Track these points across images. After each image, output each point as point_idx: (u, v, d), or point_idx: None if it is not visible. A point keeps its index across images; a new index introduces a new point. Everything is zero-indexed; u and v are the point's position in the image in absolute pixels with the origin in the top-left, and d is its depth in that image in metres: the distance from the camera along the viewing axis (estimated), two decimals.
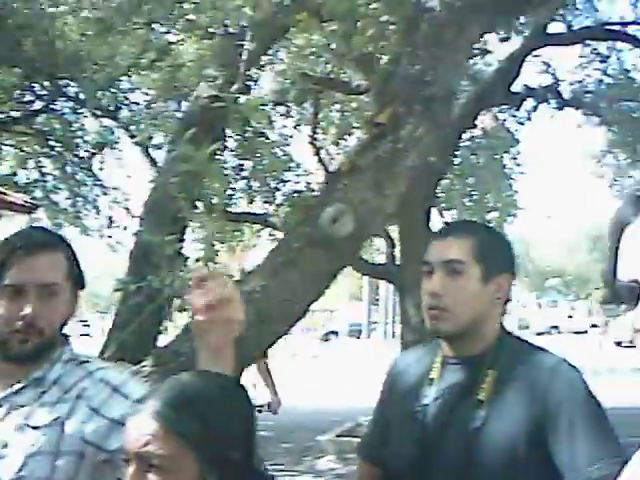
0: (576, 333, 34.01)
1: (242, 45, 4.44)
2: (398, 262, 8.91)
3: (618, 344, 25.25)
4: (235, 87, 4.35)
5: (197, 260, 3.70)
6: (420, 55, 2.92)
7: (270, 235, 10.42)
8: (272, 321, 2.97)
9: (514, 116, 11.99)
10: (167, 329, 5.16)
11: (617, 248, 0.88)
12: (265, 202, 10.19)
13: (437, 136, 3.05)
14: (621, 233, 0.87)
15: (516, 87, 10.27)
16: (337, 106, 10.45)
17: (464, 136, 10.41)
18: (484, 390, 1.68)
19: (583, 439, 1.56)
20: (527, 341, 1.84)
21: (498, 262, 1.77)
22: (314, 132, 9.55)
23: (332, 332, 43.03)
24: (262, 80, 9.02)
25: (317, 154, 9.57)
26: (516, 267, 1.83)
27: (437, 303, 1.72)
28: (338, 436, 9.28)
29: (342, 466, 8.05)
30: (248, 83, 6.62)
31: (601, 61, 11.57)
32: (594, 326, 32.37)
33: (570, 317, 38.33)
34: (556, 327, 35.89)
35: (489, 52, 9.02)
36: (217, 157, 6.85)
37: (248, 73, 5.71)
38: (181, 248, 4.99)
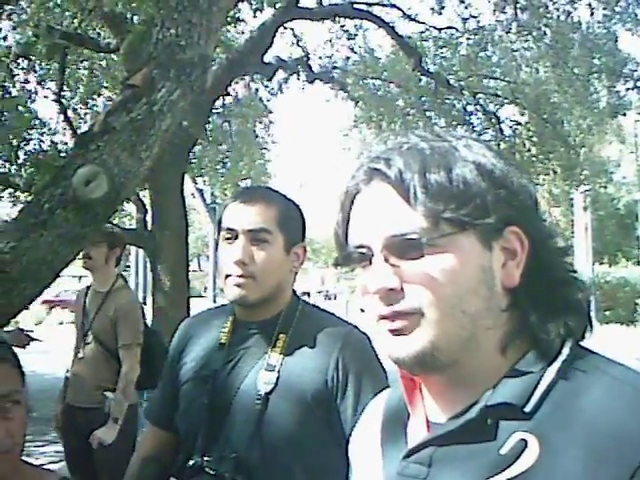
0: (326, 298, 35.43)
1: None
2: (150, 227, 8.81)
3: (362, 310, 26.87)
4: None
5: None
6: (175, 19, 2.92)
7: (11, 196, 9.80)
8: (22, 284, 2.84)
9: (266, 86, 12.33)
10: None
11: (349, 214, 0.96)
12: (6, 161, 9.53)
13: (192, 101, 3.09)
14: (352, 200, 0.95)
15: (269, 58, 10.55)
16: (85, 63, 10.01)
17: (217, 103, 10.50)
18: (276, 354, 1.72)
19: (368, 397, 1.61)
20: (317, 307, 1.92)
21: (297, 232, 1.82)
22: (61, 89, 9.07)
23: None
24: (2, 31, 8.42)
25: (64, 113, 9.12)
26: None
27: (243, 271, 1.71)
28: None
29: None
30: None
31: (348, 38, 12.21)
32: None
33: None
34: (307, 293, 37.46)
35: (242, 20, 9.15)
36: None
37: None
38: None
